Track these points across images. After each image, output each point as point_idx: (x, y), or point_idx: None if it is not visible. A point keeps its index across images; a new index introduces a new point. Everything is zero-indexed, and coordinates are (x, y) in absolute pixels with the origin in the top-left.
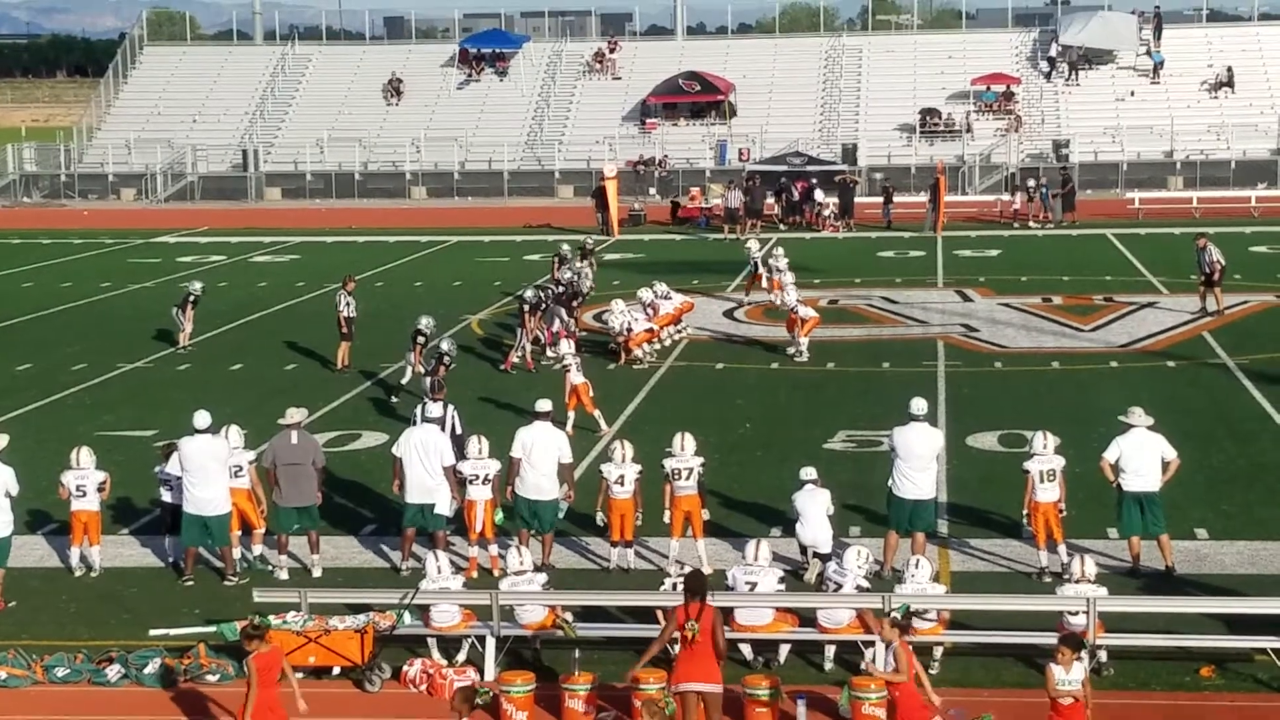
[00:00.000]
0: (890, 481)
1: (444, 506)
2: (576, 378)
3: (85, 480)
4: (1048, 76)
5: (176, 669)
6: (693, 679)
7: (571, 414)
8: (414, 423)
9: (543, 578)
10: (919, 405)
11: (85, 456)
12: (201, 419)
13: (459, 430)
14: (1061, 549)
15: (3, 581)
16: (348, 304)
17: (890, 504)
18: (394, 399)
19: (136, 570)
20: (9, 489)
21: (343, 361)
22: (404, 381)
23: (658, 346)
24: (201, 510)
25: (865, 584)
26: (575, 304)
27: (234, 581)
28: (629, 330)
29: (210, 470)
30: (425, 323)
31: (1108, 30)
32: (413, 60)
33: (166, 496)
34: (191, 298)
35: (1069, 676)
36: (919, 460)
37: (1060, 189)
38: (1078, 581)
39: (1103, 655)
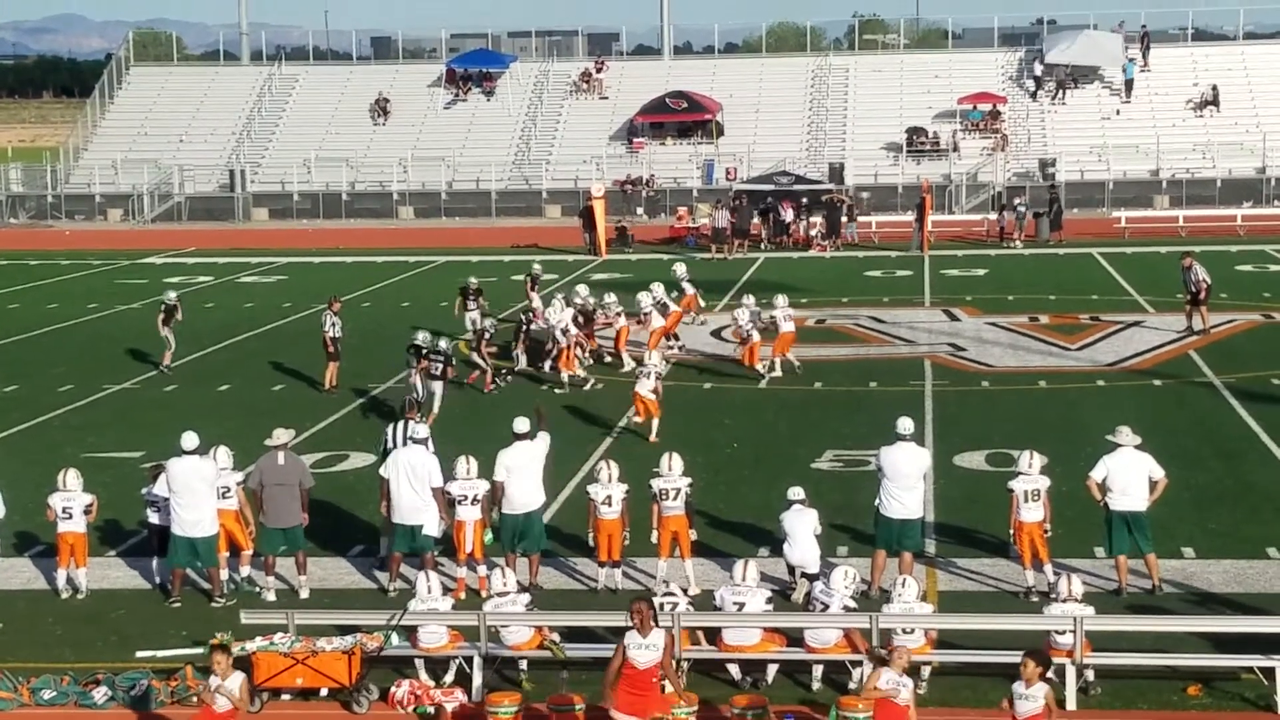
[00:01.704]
0: (877, 501)
1: (432, 527)
2: (643, 386)
3: (72, 502)
4: (1033, 95)
5: (164, 691)
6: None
7: (640, 420)
8: (392, 444)
9: (526, 598)
10: (905, 425)
11: (72, 478)
12: (189, 440)
13: (431, 450)
14: (1048, 568)
15: None
16: (333, 324)
17: (877, 523)
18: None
19: (124, 592)
20: None
21: (330, 382)
22: (418, 399)
23: (596, 372)
24: (189, 532)
25: (852, 604)
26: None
27: (221, 603)
28: (564, 332)
29: (198, 491)
30: (422, 338)
31: (1094, 47)
32: (400, 80)
33: (154, 518)
34: (163, 308)
35: (1028, 691)
36: (906, 480)
37: (1046, 208)
38: (1065, 601)
39: (1090, 674)
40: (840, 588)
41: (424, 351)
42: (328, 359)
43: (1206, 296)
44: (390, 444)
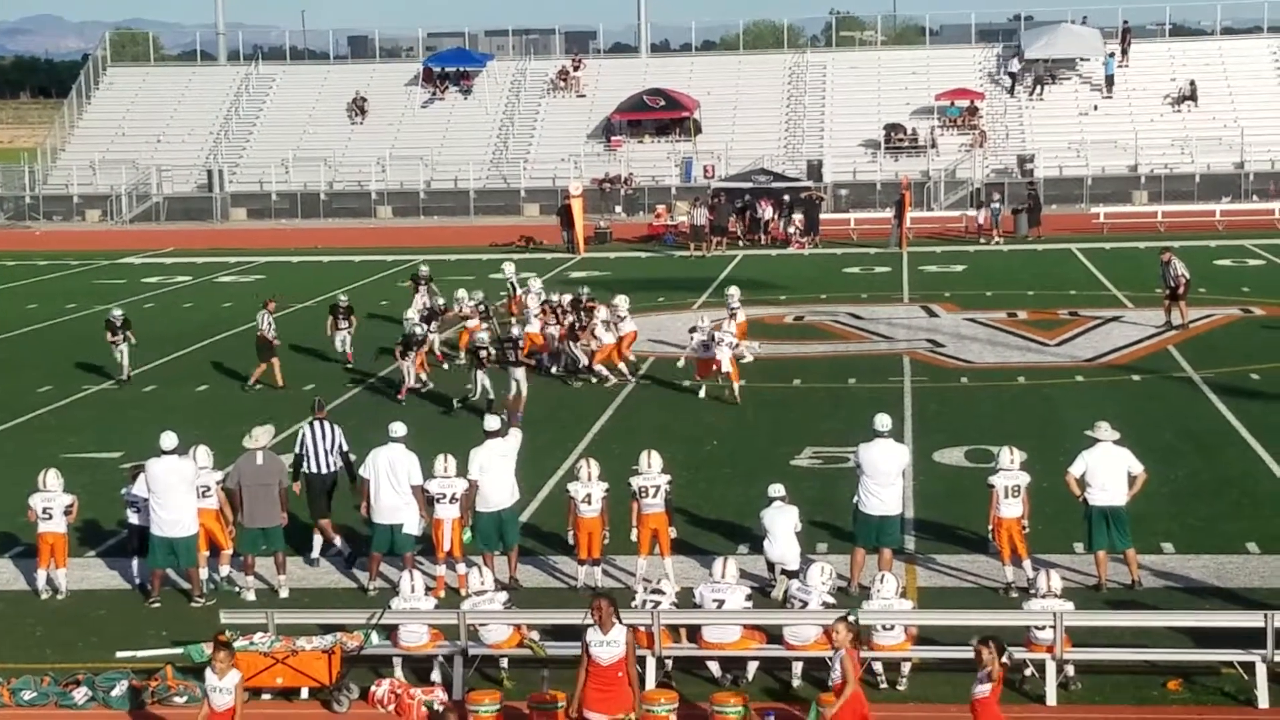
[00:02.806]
0: (856, 498)
1: (412, 526)
2: (723, 353)
3: (52, 503)
4: (1011, 91)
5: (144, 691)
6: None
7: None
8: (310, 444)
9: (504, 596)
10: (883, 421)
11: (52, 479)
12: (168, 440)
13: (345, 448)
14: (1027, 564)
15: None
16: (269, 324)
17: (856, 520)
18: (459, 404)
19: (103, 592)
20: None
21: (271, 380)
22: (475, 395)
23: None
24: (168, 532)
25: (830, 600)
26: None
27: (201, 603)
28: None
29: (177, 491)
30: (486, 337)
31: (1074, 39)
32: (377, 79)
33: (134, 518)
34: (106, 323)
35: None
36: (884, 476)
37: (1023, 204)
38: (1044, 596)
39: (1070, 670)
40: (817, 584)
41: (498, 344)
42: (264, 358)
43: (1185, 291)
44: (308, 445)
